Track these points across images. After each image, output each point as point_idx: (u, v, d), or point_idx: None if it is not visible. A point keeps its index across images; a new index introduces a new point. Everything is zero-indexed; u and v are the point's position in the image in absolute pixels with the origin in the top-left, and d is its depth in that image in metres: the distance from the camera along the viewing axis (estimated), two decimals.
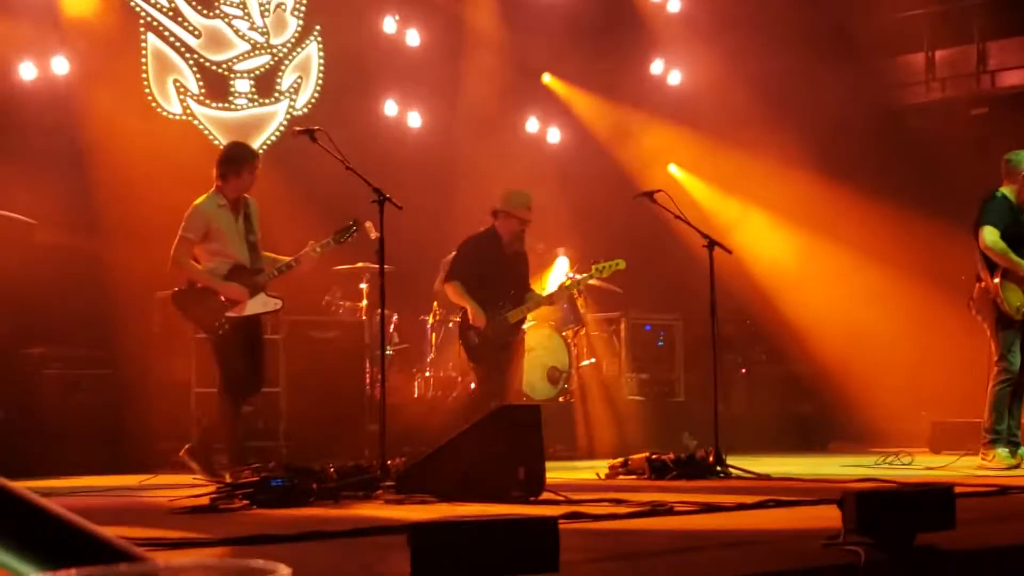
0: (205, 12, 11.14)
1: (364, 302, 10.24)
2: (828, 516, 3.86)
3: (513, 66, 12.62)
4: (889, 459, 8.72)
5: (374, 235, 7.43)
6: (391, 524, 4.38)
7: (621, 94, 13.22)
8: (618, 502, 5.34)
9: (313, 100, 11.57)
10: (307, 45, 11.64)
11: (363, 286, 10.28)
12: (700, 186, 13.43)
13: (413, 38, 12.35)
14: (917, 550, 3.54)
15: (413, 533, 2.79)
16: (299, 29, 11.62)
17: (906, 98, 13.91)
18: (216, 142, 11.04)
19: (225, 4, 11.26)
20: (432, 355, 10.15)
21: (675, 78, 13.72)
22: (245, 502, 5.48)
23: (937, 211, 10.81)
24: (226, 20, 11.24)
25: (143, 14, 10.83)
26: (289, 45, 11.57)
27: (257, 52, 11.38)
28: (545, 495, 5.71)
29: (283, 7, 11.57)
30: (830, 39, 12.82)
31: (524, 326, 10.26)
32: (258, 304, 7.65)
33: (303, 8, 11.66)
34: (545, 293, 10.54)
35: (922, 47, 13.78)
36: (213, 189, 7.67)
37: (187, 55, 11.00)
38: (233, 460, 7.22)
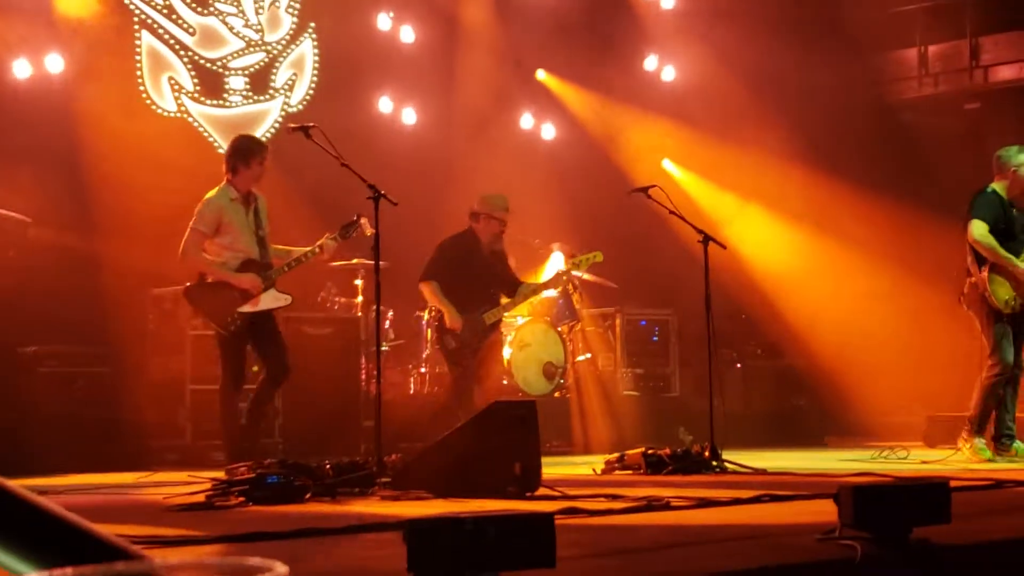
0: (199, 9, 11.12)
1: (359, 298, 10.24)
2: (824, 510, 3.86)
3: (507, 63, 12.63)
4: (885, 453, 8.74)
5: (369, 231, 7.43)
6: (387, 520, 4.38)
7: (615, 90, 13.22)
8: (614, 497, 5.34)
9: (308, 97, 11.56)
10: (301, 42, 11.63)
11: (358, 282, 10.27)
12: (694, 181, 13.44)
13: (407, 35, 12.34)
14: (913, 544, 3.55)
15: (409, 529, 2.79)
16: (293, 26, 11.61)
17: (899, 93, 13.93)
18: (211, 139, 11.03)
19: (219, 1, 11.24)
20: (428, 351, 10.16)
21: (669, 74, 13.73)
22: (241, 499, 5.48)
23: (930, 205, 10.83)
24: (220, 17, 11.22)
25: (137, 12, 10.81)
26: (283, 42, 11.56)
27: (251, 49, 11.37)
28: (541, 491, 5.72)
29: (277, 4, 11.56)
30: (823, 34, 12.84)
31: (519, 321, 10.31)
32: (270, 299, 7.66)
33: (297, 5, 11.65)
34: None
35: (915, 42, 13.80)
36: (224, 183, 7.66)
37: (181, 52, 10.98)
38: (231, 457, 7.22)
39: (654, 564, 3.46)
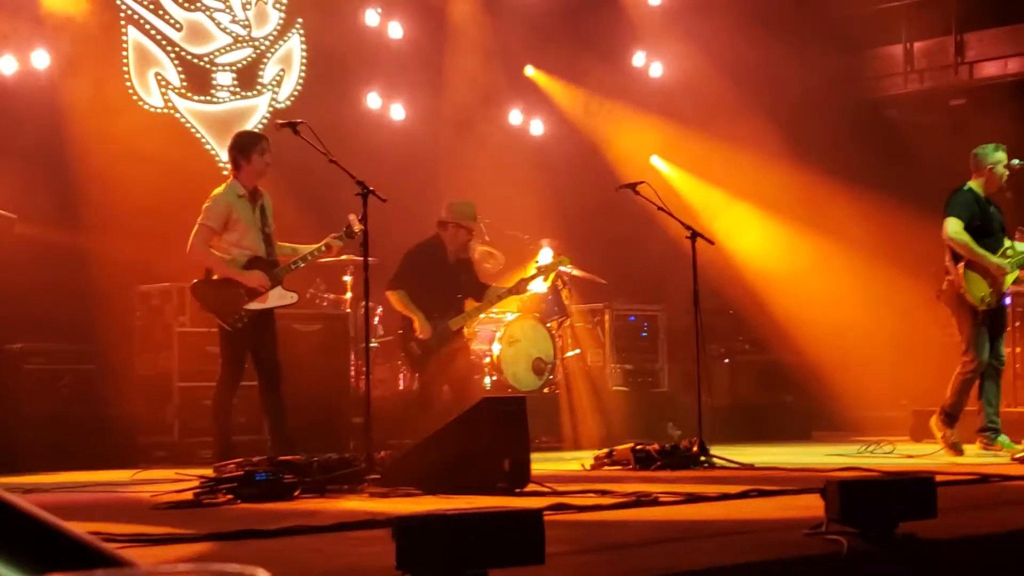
0: (186, 5, 11.09)
1: (348, 295, 10.23)
2: (811, 505, 3.88)
3: (496, 58, 12.62)
4: (871, 448, 8.77)
5: (358, 228, 7.43)
6: (376, 518, 4.38)
7: (603, 86, 13.22)
8: (603, 493, 5.36)
9: (295, 93, 11.54)
10: (289, 38, 11.61)
11: (347, 279, 10.27)
12: (682, 177, 13.46)
13: (395, 31, 12.33)
14: (899, 538, 3.56)
15: (398, 526, 2.79)
16: (281, 22, 11.59)
17: (884, 89, 13.96)
18: (198, 135, 11.01)
19: None
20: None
21: (656, 70, 13.74)
22: (229, 496, 5.47)
23: (916, 201, 10.84)
24: (207, 13, 11.19)
25: (124, 7, 10.78)
26: (271, 38, 11.53)
27: (239, 45, 11.34)
28: (530, 487, 5.72)
29: (265, 0, 11.53)
30: (810, 30, 12.86)
31: (508, 317, 10.32)
32: (276, 297, 7.67)
33: (285, 1, 11.62)
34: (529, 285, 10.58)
35: (900, 38, 13.83)
36: (231, 179, 7.68)
37: (168, 48, 10.95)
38: (219, 454, 7.21)
39: (643, 559, 3.47)
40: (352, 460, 6.16)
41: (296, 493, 5.60)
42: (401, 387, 10.45)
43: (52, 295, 9.52)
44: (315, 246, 7.78)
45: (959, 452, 8.21)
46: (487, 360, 10.22)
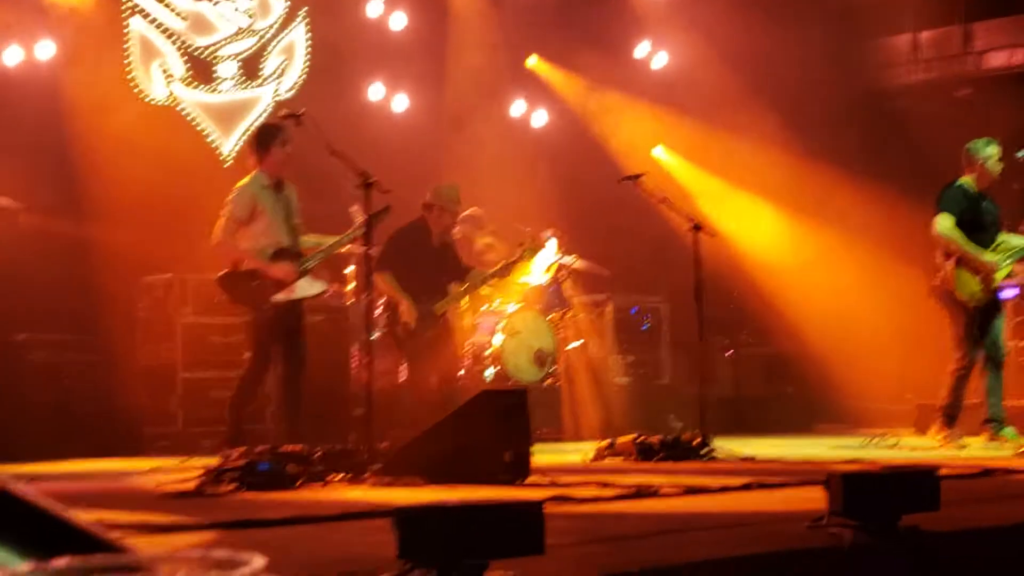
0: None
1: (350, 286, 10.23)
2: (813, 498, 3.88)
3: (498, 49, 12.60)
4: (875, 441, 8.77)
5: (360, 219, 7.43)
6: (378, 508, 4.38)
7: (606, 77, 13.20)
8: (604, 485, 5.35)
9: (299, 84, 11.52)
10: (292, 28, 11.59)
11: (349, 270, 10.26)
12: (686, 168, 13.43)
13: (398, 21, 12.30)
14: (902, 531, 3.56)
15: (399, 516, 2.79)
16: (284, 12, 11.57)
17: (891, 79, 13.92)
18: (201, 126, 11.00)
19: None
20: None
21: (660, 61, 13.71)
22: (232, 486, 5.48)
23: (922, 193, 10.81)
24: (211, 3, 11.17)
25: None
26: (274, 28, 11.51)
27: (242, 36, 11.33)
28: (531, 478, 5.73)
29: None
30: (816, 20, 12.83)
31: (510, 309, 10.31)
32: (305, 287, 7.71)
33: None
34: (527, 276, 10.59)
35: (907, 28, 13.79)
36: (255, 171, 7.72)
37: (172, 39, 10.94)
38: (228, 442, 7.22)
39: (643, 551, 3.47)
40: (354, 451, 6.17)
41: (298, 483, 5.61)
42: (402, 379, 10.43)
43: (56, 286, 9.52)
44: (342, 236, 7.79)
45: (962, 447, 8.20)
46: (488, 351, 10.21)
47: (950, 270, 8.28)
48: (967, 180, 8.48)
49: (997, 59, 13.48)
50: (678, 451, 7.27)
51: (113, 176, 9.76)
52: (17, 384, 9.01)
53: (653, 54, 13.70)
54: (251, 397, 7.70)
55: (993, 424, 8.34)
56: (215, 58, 11.18)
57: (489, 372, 10.18)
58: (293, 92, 11.40)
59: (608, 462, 7.32)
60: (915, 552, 3.56)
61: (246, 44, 11.34)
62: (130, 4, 10.77)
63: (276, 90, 11.40)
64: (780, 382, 12.42)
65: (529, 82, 13.28)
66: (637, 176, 8.12)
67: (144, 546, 1.44)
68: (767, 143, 12.47)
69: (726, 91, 12.62)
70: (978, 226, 8.36)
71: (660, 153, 13.49)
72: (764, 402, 11.95)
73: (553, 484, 5.48)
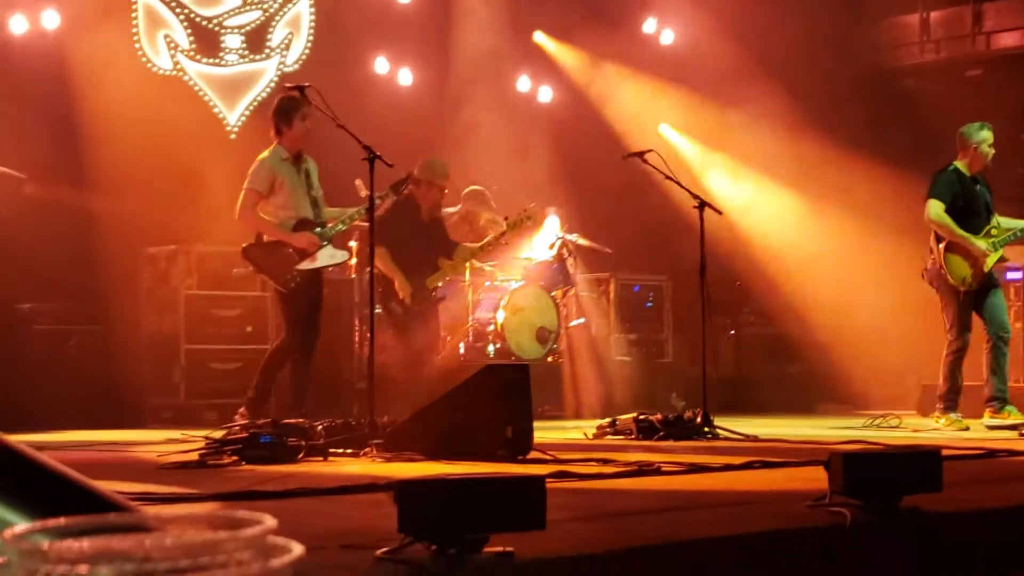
0: None
1: (353, 260, 10.21)
2: (815, 477, 3.87)
3: (504, 24, 12.53)
4: (877, 421, 8.78)
5: (364, 193, 7.43)
6: (378, 481, 4.39)
7: (613, 53, 13.14)
8: (605, 462, 5.36)
9: (304, 57, 11.48)
10: (298, 1, 11.54)
11: (352, 244, 10.25)
12: (692, 146, 13.39)
13: None
14: (903, 512, 3.56)
15: (400, 490, 2.79)
16: None
17: (900, 59, 13.85)
18: (206, 98, 10.97)
19: None
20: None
21: (667, 37, 13.65)
22: (234, 458, 5.49)
23: (930, 173, 10.78)
24: None
25: None
26: (280, 1, 11.46)
27: (248, 8, 11.28)
28: (533, 454, 5.73)
29: None
30: None
31: (512, 286, 10.30)
32: (327, 256, 7.81)
33: None
34: (530, 252, 10.59)
35: (917, 8, 13.72)
36: (275, 144, 7.81)
37: (177, 10, 10.90)
38: (253, 413, 7.24)
39: (644, 528, 3.47)
40: (355, 425, 6.18)
41: (300, 456, 5.61)
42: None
43: (60, 256, 9.53)
44: (360, 206, 7.82)
45: (964, 429, 8.23)
46: (491, 328, 10.21)
47: (940, 255, 8.33)
48: (960, 164, 8.52)
49: (1007, 39, 13.41)
50: (679, 429, 7.28)
51: (118, 147, 9.75)
52: (22, 353, 9.03)
53: (661, 30, 13.63)
54: (279, 367, 7.80)
55: (995, 403, 8.37)
56: (221, 29, 11.14)
57: (491, 349, 10.19)
58: (298, 65, 11.36)
59: (609, 440, 7.32)
60: (917, 533, 3.56)
61: (251, 16, 11.30)
62: None
63: (281, 63, 11.36)
64: (782, 362, 12.42)
65: (535, 58, 13.22)
66: (643, 153, 8.10)
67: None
68: (774, 122, 12.43)
69: (734, 69, 12.56)
70: (971, 211, 8.42)
71: (666, 130, 13.44)
72: (766, 382, 11.95)
73: (554, 460, 5.49)
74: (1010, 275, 10.89)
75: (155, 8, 10.82)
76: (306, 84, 7.14)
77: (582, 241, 10.80)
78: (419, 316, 8.90)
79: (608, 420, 7.62)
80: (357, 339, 9.97)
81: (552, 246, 10.63)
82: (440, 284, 9.08)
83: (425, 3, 12.31)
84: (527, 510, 2.78)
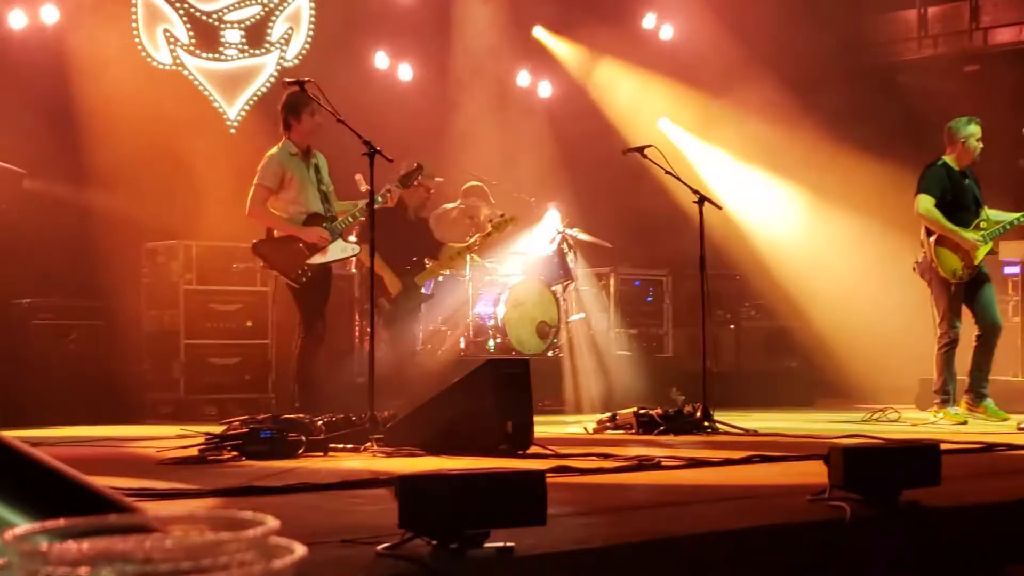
0: None
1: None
2: (814, 472, 3.88)
3: (504, 19, 12.53)
4: (875, 415, 8.79)
5: (364, 188, 7.44)
6: (379, 477, 4.39)
7: (612, 48, 13.13)
8: (606, 457, 5.37)
9: (304, 51, 11.47)
10: None
11: (352, 239, 10.24)
12: (691, 141, 13.39)
13: None
14: (903, 506, 3.57)
15: (401, 486, 2.80)
16: None
17: (898, 54, 13.84)
18: (206, 92, 10.96)
19: None
20: (422, 309, 10.15)
21: (667, 32, 13.64)
22: (234, 453, 5.49)
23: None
24: None
25: None
26: None
27: (247, 2, 11.27)
28: (533, 449, 5.74)
29: None
30: None
31: (512, 281, 10.30)
32: (338, 250, 7.86)
33: None
34: (530, 247, 10.60)
35: (915, 3, 13.72)
36: (283, 139, 7.82)
37: (177, 5, 10.89)
38: (307, 408, 7.20)
39: (645, 523, 3.47)
40: (356, 420, 6.18)
41: (300, 452, 5.62)
42: (419, 348, 10.45)
43: (60, 250, 9.54)
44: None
45: (963, 422, 8.26)
46: (491, 323, 10.22)
47: (931, 248, 8.43)
48: (949, 159, 8.61)
49: (1004, 35, 13.41)
50: (680, 424, 7.29)
51: (117, 142, 9.74)
52: (21, 348, 9.04)
53: (660, 26, 13.63)
54: (311, 360, 7.77)
55: (972, 396, 8.44)
56: (220, 24, 11.13)
57: (492, 344, 10.19)
58: (298, 60, 11.35)
59: (609, 434, 7.33)
60: (916, 527, 3.57)
61: (251, 11, 11.29)
62: None
63: (281, 58, 11.36)
64: (782, 356, 12.42)
65: (534, 53, 13.22)
66: (643, 148, 8.10)
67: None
68: (772, 117, 12.42)
69: (733, 64, 12.56)
70: (960, 204, 8.51)
71: (665, 125, 13.44)
72: (766, 376, 11.95)
73: (555, 455, 5.50)
74: (1007, 269, 10.91)
75: (154, 3, 10.81)
76: (306, 79, 7.15)
77: (582, 236, 10.80)
78: (407, 314, 9.03)
79: (608, 415, 7.63)
80: (357, 334, 9.97)
81: (552, 241, 10.63)
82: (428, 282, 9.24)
83: None
84: (528, 505, 2.79)
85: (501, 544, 2.74)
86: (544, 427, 6.80)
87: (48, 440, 6.67)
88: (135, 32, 10.69)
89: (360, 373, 9.07)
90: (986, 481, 4.71)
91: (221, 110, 10.98)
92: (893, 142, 11.63)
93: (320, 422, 6.02)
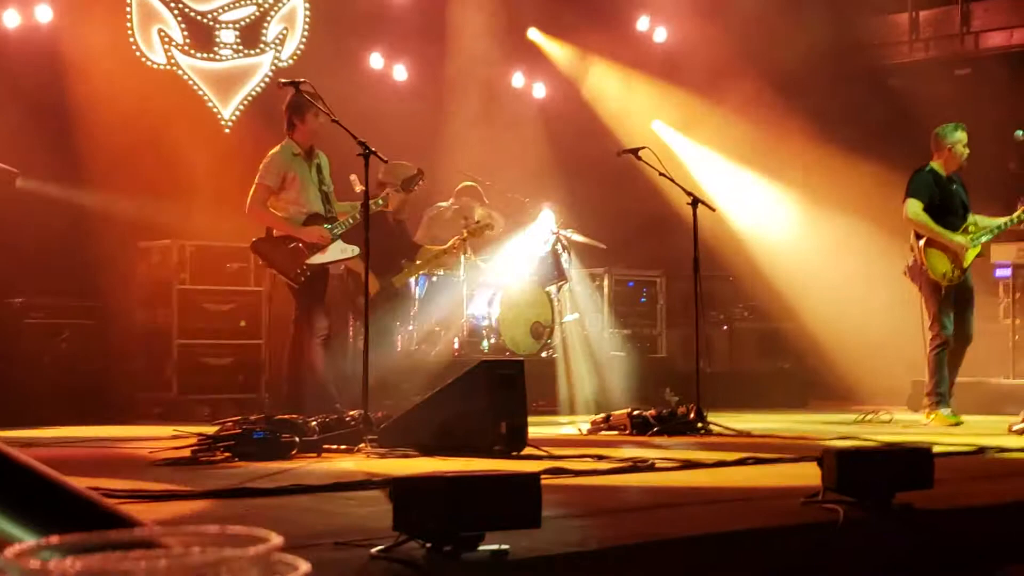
0: None
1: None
2: (808, 474, 3.89)
3: (499, 20, 12.52)
4: (868, 417, 8.81)
5: (359, 188, 7.45)
6: (373, 478, 4.39)
7: (607, 50, 13.14)
8: (600, 458, 5.37)
9: (298, 52, 11.46)
10: None
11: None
12: (684, 143, 13.40)
13: None
14: (896, 508, 3.58)
15: (395, 487, 2.80)
16: None
17: (890, 57, 13.87)
18: (201, 92, 10.95)
19: None
20: (415, 309, 10.16)
21: (660, 35, 13.66)
22: (227, 454, 5.48)
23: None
24: None
25: None
26: None
27: (242, 2, 11.25)
28: (527, 450, 5.74)
29: None
30: None
31: (506, 282, 10.31)
32: (337, 251, 7.84)
33: None
34: (524, 247, 10.61)
35: (906, 7, 13.75)
36: (286, 139, 7.83)
37: (171, 4, 10.87)
38: (306, 409, 7.16)
39: (639, 525, 3.48)
40: (349, 420, 6.17)
41: (293, 452, 5.60)
42: (399, 348, 10.45)
43: (53, 250, 9.52)
44: (372, 200, 7.83)
45: (956, 424, 8.28)
46: (486, 323, 10.22)
47: (921, 252, 8.52)
48: (936, 164, 8.70)
49: (995, 39, 13.44)
50: (673, 425, 7.29)
51: (111, 141, 9.73)
52: (14, 347, 9.02)
53: (654, 28, 13.65)
54: (306, 360, 7.75)
55: (936, 398, 8.46)
56: (215, 24, 11.12)
57: (486, 344, 10.19)
58: (292, 60, 11.34)
59: (603, 435, 7.33)
60: (909, 529, 3.58)
61: (246, 11, 11.28)
62: None
63: (276, 58, 11.35)
64: (776, 357, 12.44)
65: (529, 55, 13.22)
66: (637, 150, 8.12)
67: (138, 514, 1.43)
68: (765, 120, 12.44)
69: (726, 67, 12.58)
70: (948, 209, 8.60)
71: (659, 127, 13.45)
72: (759, 377, 11.96)
73: (549, 456, 5.50)
74: (999, 272, 10.94)
75: (149, 3, 10.80)
76: (301, 80, 7.14)
77: (576, 236, 10.80)
78: (385, 313, 9.13)
79: (602, 415, 7.63)
80: (351, 334, 9.97)
81: (546, 241, 10.64)
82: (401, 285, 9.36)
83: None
84: (522, 508, 2.79)
85: (496, 547, 2.74)
86: (538, 428, 6.80)
87: (40, 440, 6.66)
88: (130, 31, 10.67)
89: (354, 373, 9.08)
90: (979, 484, 4.72)
91: (215, 110, 10.97)
92: (885, 145, 11.65)
93: (314, 423, 6.01)
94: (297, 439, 5.69)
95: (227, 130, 10.93)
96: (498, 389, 5.80)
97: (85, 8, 10.26)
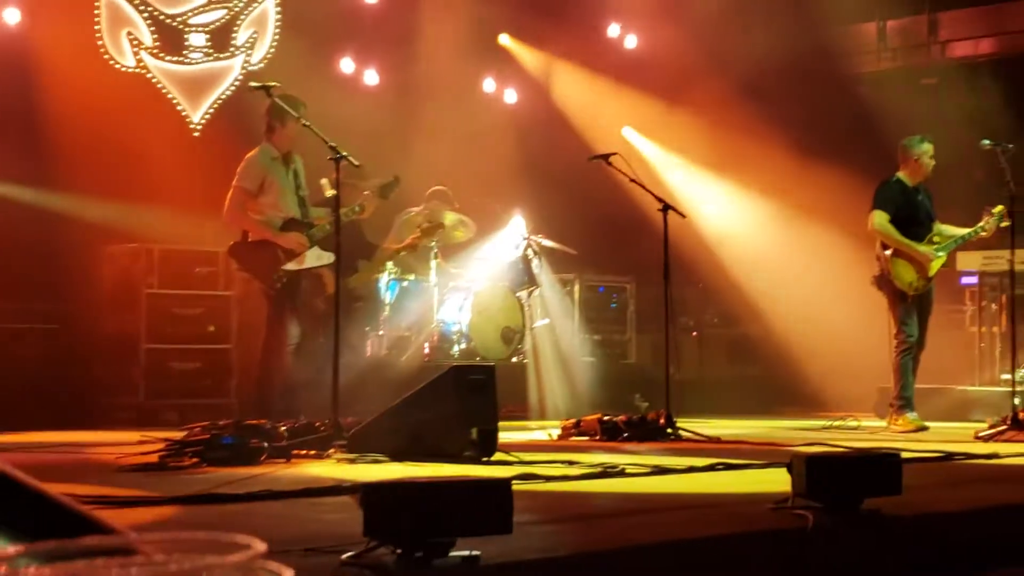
0: None
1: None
2: (777, 480, 3.91)
3: (471, 26, 12.53)
4: (836, 423, 8.86)
5: (329, 193, 7.42)
6: (343, 484, 4.38)
7: (577, 57, 13.18)
8: (570, 463, 5.37)
9: (269, 56, 11.42)
10: (263, 0, 11.48)
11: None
12: (654, 149, 13.44)
13: None
14: (864, 514, 3.60)
15: (365, 493, 2.79)
16: None
17: (857, 66, 13.97)
18: (170, 96, 10.89)
19: None
20: (386, 313, 10.14)
21: (631, 42, 13.70)
22: (195, 460, 5.44)
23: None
24: None
25: None
26: (245, 0, 11.40)
27: (212, 6, 11.21)
28: (498, 456, 5.74)
29: None
30: (784, 6, 12.82)
31: (477, 287, 10.31)
32: (313, 257, 7.77)
33: None
34: (495, 252, 10.63)
35: (874, 16, 13.85)
36: (264, 142, 7.76)
37: (141, 7, 10.81)
38: (269, 415, 7.09)
39: (609, 530, 3.48)
40: (319, 425, 6.15)
41: (262, 458, 5.57)
42: (369, 353, 10.42)
43: (19, 253, 9.44)
44: (348, 207, 7.80)
45: (922, 429, 8.35)
46: (456, 328, 10.21)
47: (887, 261, 8.65)
48: (903, 175, 8.84)
49: (962, 48, 13.58)
50: (643, 431, 7.31)
51: (79, 144, 9.66)
52: None
53: (625, 35, 13.69)
54: (276, 365, 7.69)
55: (901, 402, 8.54)
56: (185, 27, 11.07)
57: (456, 349, 10.18)
58: (263, 64, 11.30)
59: (573, 441, 7.34)
60: (877, 535, 3.60)
61: (216, 15, 11.23)
62: None
63: (246, 62, 11.30)
64: (745, 364, 12.49)
65: (500, 60, 13.23)
66: (607, 156, 8.14)
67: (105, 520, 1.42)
68: (735, 127, 12.49)
69: (696, 74, 12.63)
70: (914, 219, 8.74)
71: (629, 133, 13.49)
72: (729, 383, 12.01)
73: (519, 462, 5.50)
74: (965, 280, 11.05)
75: (119, 5, 10.73)
76: (272, 83, 7.11)
77: (547, 242, 10.81)
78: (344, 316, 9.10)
79: (573, 421, 7.64)
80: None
81: (517, 246, 10.64)
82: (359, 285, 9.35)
83: (392, 4, 12.28)
84: (493, 514, 2.79)
85: (467, 552, 2.74)
86: (509, 433, 6.81)
87: (5, 446, 6.60)
88: (99, 34, 10.60)
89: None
90: (946, 490, 4.75)
91: (185, 114, 10.92)
92: (852, 152, 11.73)
93: (283, 428, 5.98)
94: (266, 444, 5.66)
95: (196, 134, 10.87)
96: (468, 394, 5.79)
97: (54, 10, 10.19)
